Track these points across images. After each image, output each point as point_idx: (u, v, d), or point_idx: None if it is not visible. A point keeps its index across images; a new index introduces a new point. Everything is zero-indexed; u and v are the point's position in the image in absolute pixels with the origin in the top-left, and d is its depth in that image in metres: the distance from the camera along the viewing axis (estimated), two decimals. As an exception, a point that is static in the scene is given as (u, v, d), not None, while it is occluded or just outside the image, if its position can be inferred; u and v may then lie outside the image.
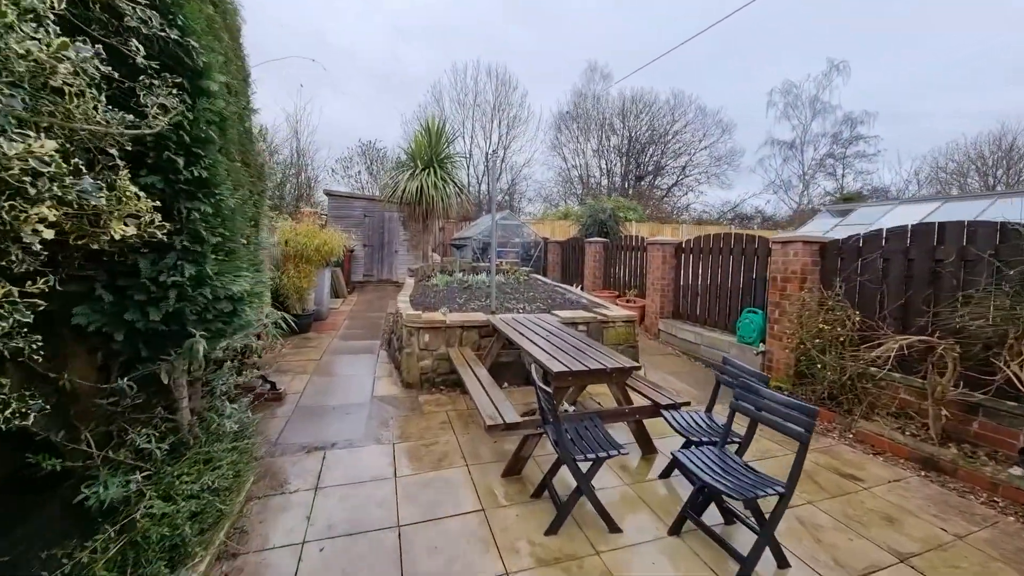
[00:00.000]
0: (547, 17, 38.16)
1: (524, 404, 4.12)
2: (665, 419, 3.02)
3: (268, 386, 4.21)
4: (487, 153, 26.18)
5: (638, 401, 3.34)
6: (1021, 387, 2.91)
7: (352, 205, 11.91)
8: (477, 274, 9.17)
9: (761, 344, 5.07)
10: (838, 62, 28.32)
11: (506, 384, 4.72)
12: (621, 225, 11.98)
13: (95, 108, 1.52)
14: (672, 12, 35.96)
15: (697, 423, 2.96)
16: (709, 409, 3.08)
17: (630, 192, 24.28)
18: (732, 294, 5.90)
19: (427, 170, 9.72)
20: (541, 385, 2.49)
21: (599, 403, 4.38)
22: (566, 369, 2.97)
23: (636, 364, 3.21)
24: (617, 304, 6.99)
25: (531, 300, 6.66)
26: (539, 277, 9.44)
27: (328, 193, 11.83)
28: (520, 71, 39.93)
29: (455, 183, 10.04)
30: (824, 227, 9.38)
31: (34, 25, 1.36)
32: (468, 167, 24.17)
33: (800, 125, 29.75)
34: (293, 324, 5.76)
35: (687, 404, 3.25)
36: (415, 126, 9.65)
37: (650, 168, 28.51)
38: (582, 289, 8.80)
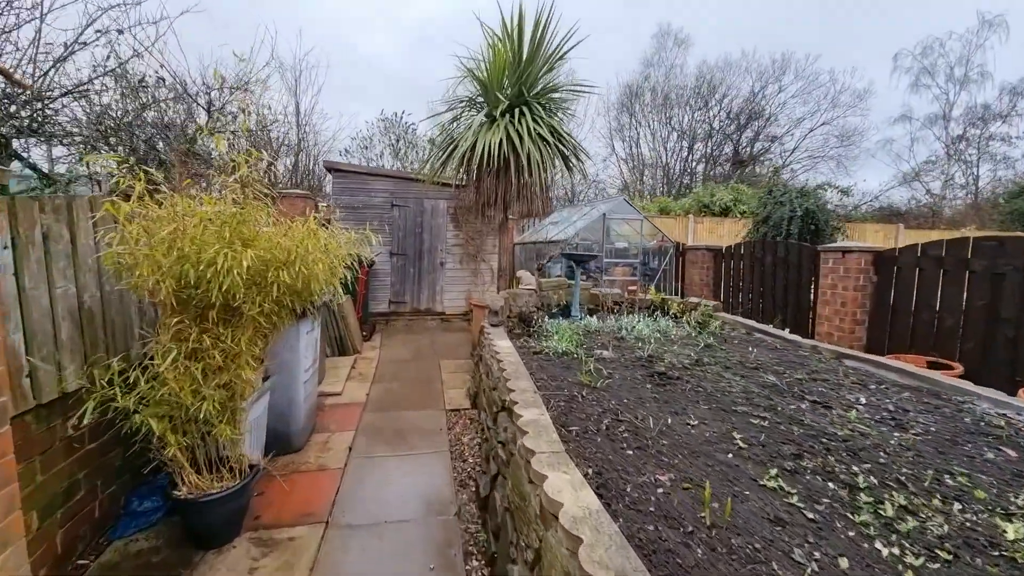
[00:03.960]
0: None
1: None
2: None
3: None
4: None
5: None
6: None
7: (370, 187, 7.66)
8: (616, 313, 4.69)
9: None
10: (992, 16, 22.49)
11: None
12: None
13: None
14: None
15: None
16: None
17: (732, 182, 19.32)
18: None
19: (513, 112, 5.29)
20: None
21: None
22: None
23: None
24: None
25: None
26: (746, 322, 4.84)
27: (332, 168, 7.61)
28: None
29: (567, 139, 5.56)
30: None
31: None
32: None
33: (943, 95, 24.02)
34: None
35: None
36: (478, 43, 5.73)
37: (756, 149, 23.37)
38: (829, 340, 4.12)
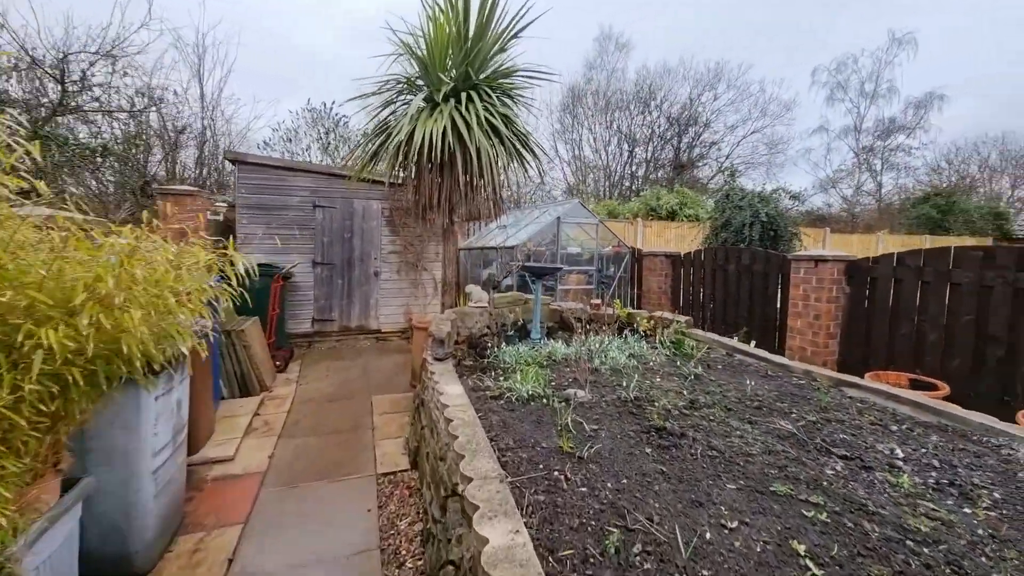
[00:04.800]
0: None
1: None
2: None
3: None
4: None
5: None
6: None
7: (288, 184, 6.48)
8: (580, 332, 4.04)
9: None
10: (902, 34, 25.00)
11: None
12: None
13: None
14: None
15: None
16: None
17: (676, 185, 19.71)
18: None
19: (459, 97, 4.48)
20: None
21: None
22: None
23: None
24: None
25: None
26: (723, 341, 4.39)
27: (237, 160, 6.31)
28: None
29: (522, 132, 4.84)
30: None
31: None
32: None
33: (855, 109, 26.35)
34: None
35: None
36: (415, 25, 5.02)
37: (694, 154, 24.14)
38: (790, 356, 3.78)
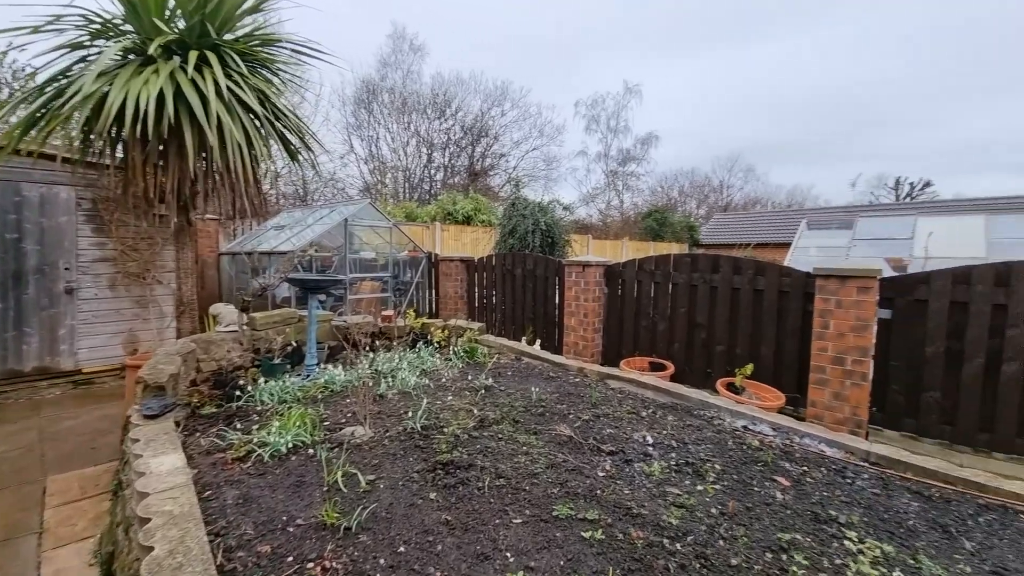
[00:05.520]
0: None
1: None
2: None
3: None
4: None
5: None
6: None
7: None
8: (370, 350, 3.60)
9: None
10: (633, 85, 32.09)
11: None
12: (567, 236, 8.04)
13: None
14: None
15: None
16: None
17: (471, 192, 20.63)
18: None
19: (188, 58, 3.38)
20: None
21: None
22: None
23: None
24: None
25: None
26: (511, 344, 4.55)
27: None
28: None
29: (288, 116, 4.00)
30: (835, 241, 7.77)
31: None
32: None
33: (604, 140, 32.66)
34: None
35: None
36: None
37: (486, 164, 25.68)
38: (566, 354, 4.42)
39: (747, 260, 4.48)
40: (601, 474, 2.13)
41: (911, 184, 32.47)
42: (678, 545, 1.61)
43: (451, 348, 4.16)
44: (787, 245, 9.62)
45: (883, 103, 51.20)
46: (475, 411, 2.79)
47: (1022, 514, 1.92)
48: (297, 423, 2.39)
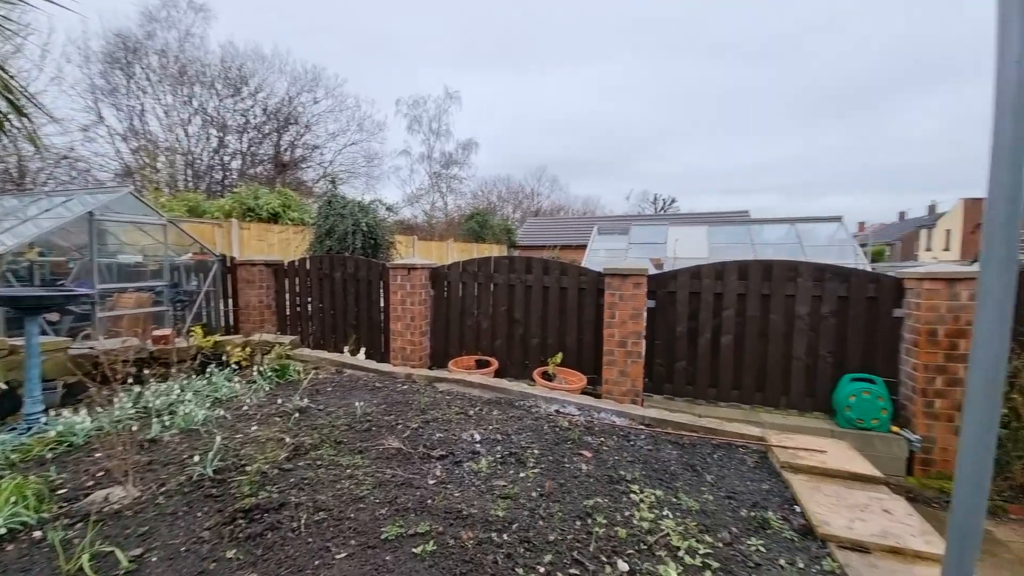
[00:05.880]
0: None
1: None
2: None
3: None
4: None
5: None
6: None
7: None
8: (135, 382, 2.85)
9: (896, 428, 3.50)
10: (453, 91, 32.95)
11: None
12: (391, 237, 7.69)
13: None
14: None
15: None
16: None
17: (278, 185, 18.03)
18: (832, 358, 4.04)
19: None
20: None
21: None
22: None
23: None
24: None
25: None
26: (331, 357, 4.20)
27: None
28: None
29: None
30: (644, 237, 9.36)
31: None
32: None
33: (427, 141, 32.80)
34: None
35: None
36: None
37: (297, 155, 22.79)
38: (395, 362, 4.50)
39: (554, 262, 5.07)
40: (432, 482, 2.11)
41: (664, 200, 41.75)
42: (505, 536, 1.71)
43: (255, 368, 3.57)
44: (585, 247, 11.29)
45: (649, 134, 65.37)
46: (287, 439, 2.45)
47: (740, 448, 2.65)
48: (10, 498, 1.70)
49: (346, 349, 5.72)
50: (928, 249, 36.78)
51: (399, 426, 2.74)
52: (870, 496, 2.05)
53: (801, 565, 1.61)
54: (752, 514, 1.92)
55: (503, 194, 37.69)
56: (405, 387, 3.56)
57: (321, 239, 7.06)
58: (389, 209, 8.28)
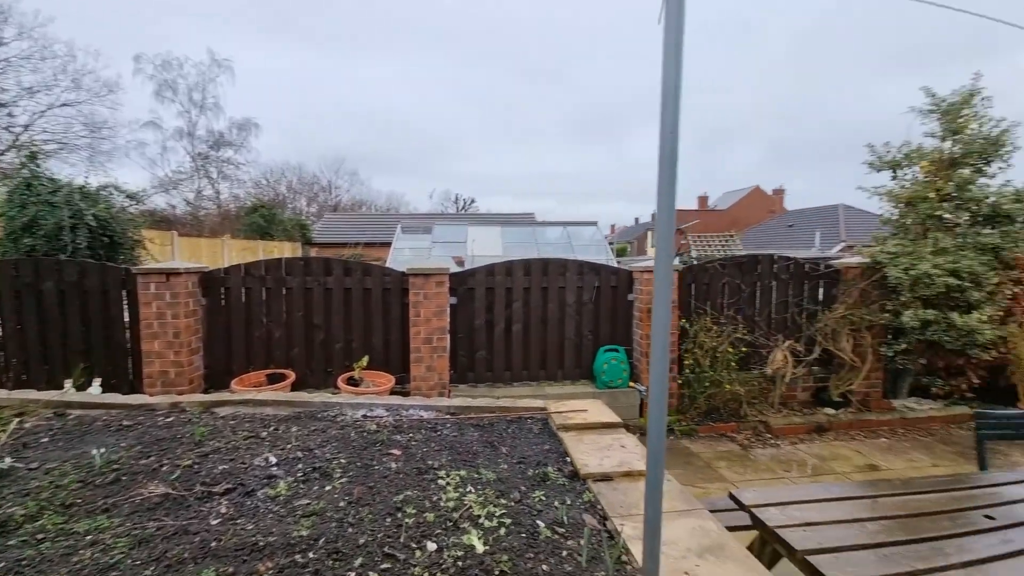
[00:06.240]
0: None
1: None
2: None
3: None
4: None
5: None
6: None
7: None
8: None
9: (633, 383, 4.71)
10: (222, 59, 27.44)
11: None
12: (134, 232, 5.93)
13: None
14: None
15: None
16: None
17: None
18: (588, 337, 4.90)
19: None
20: None
21: None
22: None
23: None
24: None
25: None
26: (51, 397, 3.16)
27: None
28: None
29: None
30: (418, 244, 9.48)
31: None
32: None
33: (187, 114, 26.61)
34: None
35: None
36: None
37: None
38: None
39: (356, 263, 4.88)
40: (215, 522, 1.84)
41: (464, 200, 44.16)
42: (311, 554, 1.63)
43: None
44: (389, 244, 11.10)
45: (451, 136, 67.74)
46: (-29, 521, 1.75)
47: (528, 419, 3.11)
48: None
49: (68, 384, 4.29)
50: (653, 247, 49.09)
51: (164, 468, 2.27)
52: (614, 438, 2.72)
53: (568, 502, 2.04)
54: (536, 472, 2.31)
55: (295, 185, 33.67)
56: (170, 419, 2.93)
57: (16, 236, 5.04)
58: (132, 197, 6.47)
